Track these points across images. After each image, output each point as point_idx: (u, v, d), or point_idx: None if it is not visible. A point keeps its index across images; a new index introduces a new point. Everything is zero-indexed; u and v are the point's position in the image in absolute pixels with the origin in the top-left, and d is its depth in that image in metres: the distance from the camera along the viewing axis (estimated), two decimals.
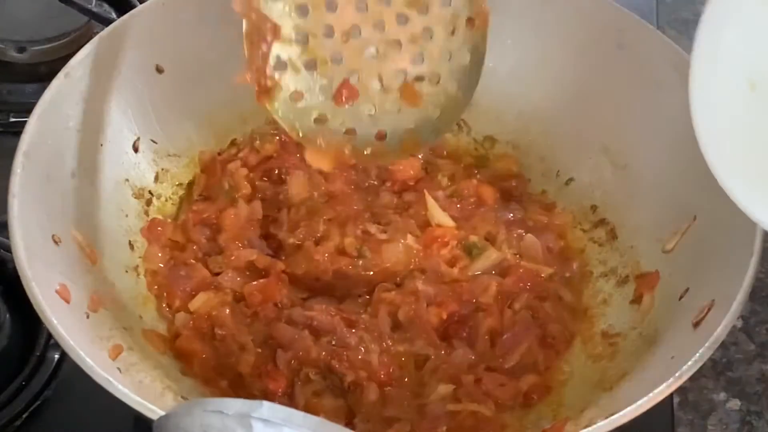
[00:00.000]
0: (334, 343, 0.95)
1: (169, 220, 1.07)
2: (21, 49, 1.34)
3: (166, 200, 1.10)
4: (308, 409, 0.89)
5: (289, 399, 0.92)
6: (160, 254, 1.03)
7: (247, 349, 0.95)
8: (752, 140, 0.71)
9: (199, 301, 0.99)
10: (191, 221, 1.06)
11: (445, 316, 0.98)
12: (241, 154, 1.12)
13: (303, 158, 1.10)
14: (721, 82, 0.70)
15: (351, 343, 0.95)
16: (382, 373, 0.93)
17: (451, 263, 1.02)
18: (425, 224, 1.05)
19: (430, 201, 1.06)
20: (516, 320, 0.98)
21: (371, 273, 1.02)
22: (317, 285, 1.03)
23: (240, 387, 0.93)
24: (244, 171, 1.09)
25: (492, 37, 0.89)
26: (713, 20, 0.70)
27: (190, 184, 1.12)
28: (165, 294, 1.01)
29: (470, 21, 0.89)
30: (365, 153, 0.92)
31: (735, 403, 1.04)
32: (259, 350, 0.95)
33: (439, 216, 1.05)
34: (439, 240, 1.03)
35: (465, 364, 0.94)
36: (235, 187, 1.09)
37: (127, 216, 1.04)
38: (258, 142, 1.12)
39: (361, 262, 1.02)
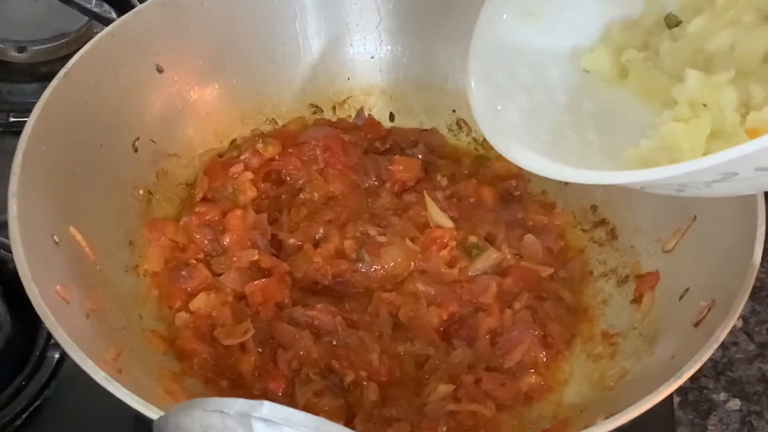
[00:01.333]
0: (335, 343, 0.95)
1: (170, 221, 1.07)
2: (21, 49, 1.34)
3: (166, 200, 1.10)
4: (308, 409, 0.89)
5: (289, 399, 0.92)
6: (160, 255, 1.03)
7: (248, 349, 0.95)
8: (527, 120, 0.86)
9: (199, 302, 0.99)
10: (194, 223, 1.06)
11: (445, 317, 0.98)
12: (243, 157, 1.12)
13: (304, 161, 1.12)
14: (501, 89, 0.87)
15: (352, 343, 0.95)
16: (382, 373, 0.93)
17: (451, 264, 1.02)
18: (425, 225, 1.05)
19: (430, 202, 1.06)
20: (516, 320, 0.98)
21: (370, 276, 1.02)
22: (317, 288, 1.03)
23: (240, 387, 0.93)
24: (249, 175, 1.09)
25: None
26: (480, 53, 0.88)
27: (190, 185, 1.12)
28: (166, 294, 1.01)
29: None
30: None
31: (735, 403, 1.04)
32: (260, 350, 0.95)
33: (438, 217, 1.05)
34: (438, 241, 1.03)
35: (465, 363, 0.94)
36: (240, 190, 1.09)
37: (127, 216, 1.04)
38: (260, 144, 1.12)
39: (360, 265, 1.02)
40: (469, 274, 1.02)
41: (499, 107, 0.86)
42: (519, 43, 0.89)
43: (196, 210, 1.06)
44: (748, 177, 0.64)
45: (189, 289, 1.00)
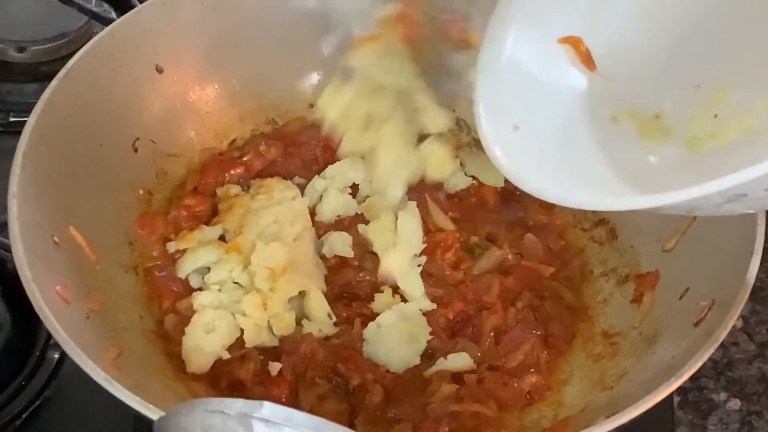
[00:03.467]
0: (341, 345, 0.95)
1: (160, 215, 1.06)
2: (21, 49, 1.34)
3: (166, 200, 1.10)
4: (312, 413, 0.88)
5: (292, 404, 0.91)
6: (155, 253, 1.03)
7: (249, 357, 0.93)
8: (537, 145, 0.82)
9: (188, 302, 0.98)
10: (183, 215, 1.05)
11: (452, 317, 0.98)
12: (245, 158, 1.12)
13: (305, 161, 1.12)
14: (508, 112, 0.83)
15: (359, 346, 0.95)
16: (389, 376, 0.93)
17: (455, 266, 1.02)
18: (426, 229, 1.05)
19: (432, 205, 1.05)
20: (519, 318, 0.98)
21: (376, 283, 1.02)
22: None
23: (240, 390, 0.93)
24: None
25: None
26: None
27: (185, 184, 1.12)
28: (156, 294, 1.00)
29: None
30: None
31: (735, 403, 1.04)
32: (261, 357, 0.94)
33: (440, 219, 1.05)
34: (442, 244, 1.03)
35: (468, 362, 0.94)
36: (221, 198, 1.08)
37: (127, 216, 1.04)
38: (263, 146, 1.12)
39: (363, 273, 1.02)
40: (474, 273, 1.02)
41: (508, 133, 0.83)
42: (526, 63, 0.86)
43: (185, 203, 1.06)
44: (758, 197, 0.63)
45: (176, 289, 1.00)
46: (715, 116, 0.80)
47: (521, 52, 0.85)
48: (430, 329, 0.97)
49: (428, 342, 0.96)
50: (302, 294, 0.98)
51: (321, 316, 0.97)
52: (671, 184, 0.67)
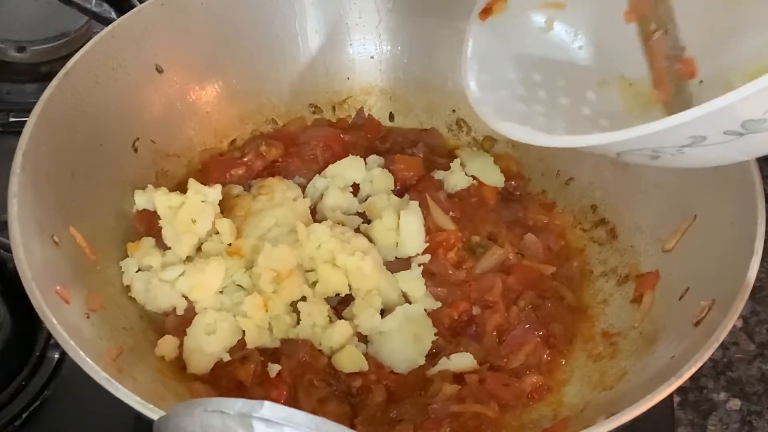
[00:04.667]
0: None
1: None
2: (21, 49, 1.34)
3: None
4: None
5: (293, 407, 0.90)
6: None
7: (249, 359, 0.93)
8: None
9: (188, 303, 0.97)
10: None
11: (456, 316, 0.98)
12: (246, 159, 1.11)
13: (305, 161, 1.12)
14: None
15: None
16: (392, 376, 0.93)
17: (458, 265, 1.02)
18: (427, 229, 1.05)
19: (432, 205, 1.05)
20: (521, 318, 0.98)
21: None
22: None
23: (240, 392, 0.92)
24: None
25: None
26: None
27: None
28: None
29: None
30: None
31: (735, 403, 1.04)
32: (262, 359, 0.93)
33: (441, 219, 1.05)
34: (444, 244, 1.03)
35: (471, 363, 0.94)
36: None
37: (126, 216, 1.04)
38: (264, 147, 1.12)
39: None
40: (477, 272, 1.02)
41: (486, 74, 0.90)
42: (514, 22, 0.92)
43: None
44: (718, 141, 0.64)
45: None
46: (701, 82, 0.80)
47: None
48: (435, 330, 0.96)
49: (432, 342, 0.96)
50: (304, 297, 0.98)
51: (321, 320, 0.96)
52: None
